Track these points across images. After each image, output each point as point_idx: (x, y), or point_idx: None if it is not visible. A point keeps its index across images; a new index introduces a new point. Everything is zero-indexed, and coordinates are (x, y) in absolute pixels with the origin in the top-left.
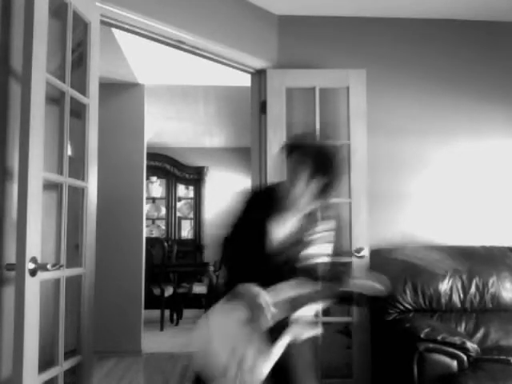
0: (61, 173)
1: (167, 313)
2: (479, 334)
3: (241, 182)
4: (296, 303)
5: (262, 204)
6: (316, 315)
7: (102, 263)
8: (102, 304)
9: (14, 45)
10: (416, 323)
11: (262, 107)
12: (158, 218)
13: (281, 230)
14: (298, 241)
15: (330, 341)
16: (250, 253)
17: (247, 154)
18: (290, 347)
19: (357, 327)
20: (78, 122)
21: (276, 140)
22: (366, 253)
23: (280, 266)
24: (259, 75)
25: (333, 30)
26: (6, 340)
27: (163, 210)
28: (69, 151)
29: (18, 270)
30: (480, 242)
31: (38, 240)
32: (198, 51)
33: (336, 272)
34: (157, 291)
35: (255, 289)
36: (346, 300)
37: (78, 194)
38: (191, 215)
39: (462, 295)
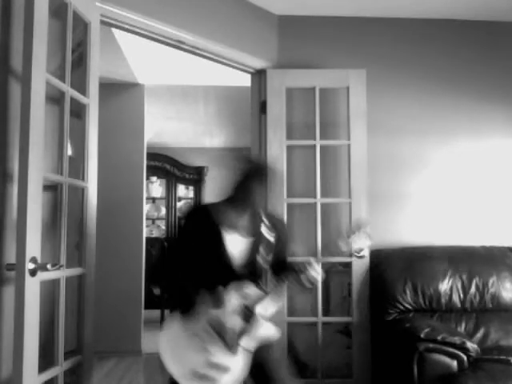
0: (61, 173)
1: (167, 313)
2: (479, 334)
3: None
4: (249, 306)
5: (209, 221)
6: (271, 315)
7: (102, 263)
8: (102, 304)
9: (14, 45)
10: (416, 323)
11: (262, 107)
12: (158, 218)
13: (234, 240)
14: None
15: (330, 341)
16: (206, 261)
17: (247, 154)
18: (264, 349)
19: (357, 327)
20: (77, 122)
21: (276, 140)
22: (366, 253)
23: (236, 271)
24: (259, 75)
25: (333, 30)
26: (6, 340)
27: (163, 210)
28: (69, 151)
29: (17, 270)
30: (480, 241)
31: (37, 240)
32: (198, 51)
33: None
34: (157, 291)
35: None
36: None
37: (78, 194)
38: None
39: (461, 295)
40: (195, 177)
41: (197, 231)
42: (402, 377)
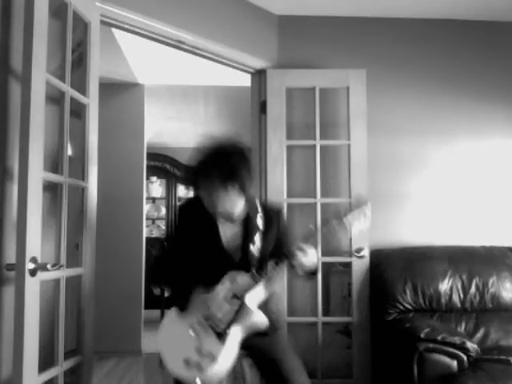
0: (61, 173)
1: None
2: (479, 334)
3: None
4: (238, 295)
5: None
6: (260, 303)
7: (102, 263)
8: (102, 304)
9: (14, 45)
10: (416, 323)
11: (262, 107)
12: (158, 218)
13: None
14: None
15: (330, 341)
16: (200, 250)
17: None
18: (271, 338)
19: (357, 327)
20: (77, 122)
21: (276, 140)
22: (366, 253)
23: (230, 260)
24: (259, 75)
25: (333, 30)
26: (6, 340)
27: (163, 210)
28: (69, 151)
29: (17, 270)
30: (480, 241)
31: (37, 240)
32: (198, 51)
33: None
34: (157, 291)
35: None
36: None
37: (78, 194)
38: None
39: (461, 295)
40: None
41: (190, 222)
42: (402, 377)
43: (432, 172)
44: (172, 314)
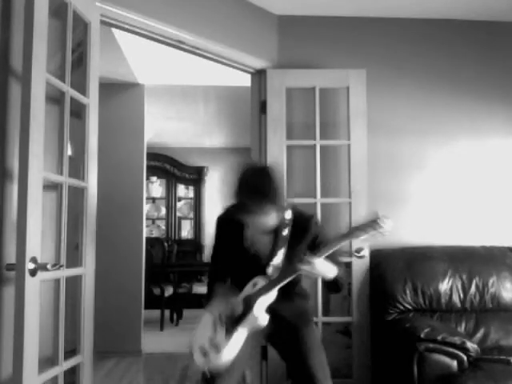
0: (61, 173)
1: (167, 313)
2: (479, 334)
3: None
4: (252, 298)
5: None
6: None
7: (102, 263)
8: (102, 304)
9: (14, 45)
10: (416, 323)
11: (262, 107)
12: (158, 218)
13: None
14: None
15: (330, 341)
16: (233, 256)
17: (247, 153)
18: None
19: (357, 327)
20: (77, 122)
21: (276, 140)
22: (366, 253)
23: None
24: (259, 75)
25: (333, 30)
26: (6, 340)
27: (163, 210)
28: (69, 151)
29: (17, 270)
30: (480, 242)
31: (37, 240)
32: (198, 51)
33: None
34: (157, 291)
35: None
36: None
37: (78, 194)
38: (191, 215)
39: (461, 295)
40: (195, 177)
41: (227, 231)
42: (402, 377)
43: (432, 172)
44: (211, 307)
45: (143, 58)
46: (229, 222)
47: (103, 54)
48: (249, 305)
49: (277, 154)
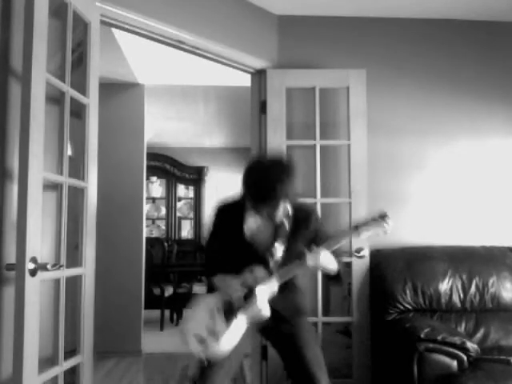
0: (61, 173)
1: (167, 313)
2: (479, 334)
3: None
4: (251, 286)
5: (236, 212)
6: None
7: (102, 263)
8: (102, 304)
9: (14, 45)
10: (416, 323)
11: (262, 107)
12: (158, 218)
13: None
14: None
15: (330, 341)
16: (231, 246)
17: (247, 153)
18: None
19: (357, 327)
20: (77, 122)
21: (276, 140)
22: (366, 253)
23: (254, 255)
24: (259, 75)
25: (333, 30)
26: (6, 340)
27: (163, 210)
28: (69, 151)
29: (17, 270)
30: (480, 242)
31: (38, 240)
32: (198, 51)
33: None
34: (157, 291)
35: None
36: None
37: (78, 194)
38: (191, 215)
39: (461, 295)
40: (195, 177)
41: (226, 222)
42: (402, 377)
43: (432, 172)
44: (203, 295)
45: (143, 58)
46: (229, 213)
47: (103, 54)
48: (250, 292)
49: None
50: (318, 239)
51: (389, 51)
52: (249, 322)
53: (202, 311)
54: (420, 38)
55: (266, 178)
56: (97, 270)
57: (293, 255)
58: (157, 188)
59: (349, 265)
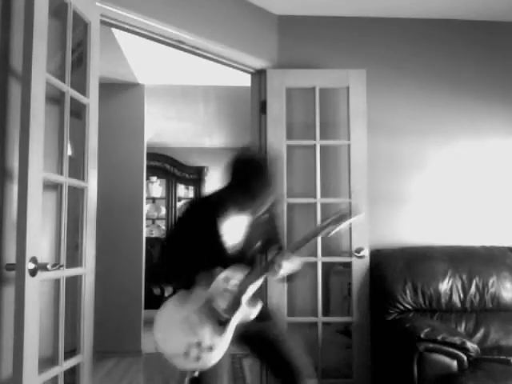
0: (61, 173)
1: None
2: (479, 334)
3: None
4: (241, 287)
5: (210, 210)
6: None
7: (102, 263)
8: (102, 304)
9: (14, 45)
10: (416, 323)
11: (262, 107)
12: (158, 218)
13: (231, 228)
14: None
15: (330, 341)
16: (204, 246)
17: None
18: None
19: (357, 327)
20: (78, 122)
21: (276, 140)
22: (366, 253)
23: (231, 255)
24: (259, 75)
25: (333, 30)
26: (6, 340)
27: (163, 210)
28: (69, 151)
29: (17, 270)
30: (480, 241)
31: (38, 240)
32: (198, 51)
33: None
34: (157, 291)
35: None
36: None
37: (77, 194)
38: None
39: (461, 295)
40: (195, 177)
41: (196, 221)
42: (402, 377)
43: (432, 172)
44: (170, 305)
45: (143, 58)
46: (202, 210)
47: (103, 54)
48: (238, 296)
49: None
50: (273, 236)
51: (389, 51)
52: (238, 324)
53: (175, 323)
54: (420, 38)
55: (262, 174)
56: (97, 270)
57: (254, 251)
58: (157, 188)
59: (349, 265)
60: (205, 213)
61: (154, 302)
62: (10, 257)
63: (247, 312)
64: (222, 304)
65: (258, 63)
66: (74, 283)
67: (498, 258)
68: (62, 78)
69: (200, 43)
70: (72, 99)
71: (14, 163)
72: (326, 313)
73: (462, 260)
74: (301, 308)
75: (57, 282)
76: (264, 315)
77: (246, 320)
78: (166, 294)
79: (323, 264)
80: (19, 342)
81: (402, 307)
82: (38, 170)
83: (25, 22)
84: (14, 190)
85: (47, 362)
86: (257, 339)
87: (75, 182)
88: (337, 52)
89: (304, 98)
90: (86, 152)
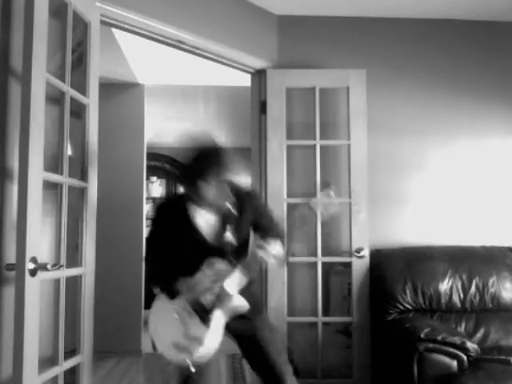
0: (61, 173)
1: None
2: (479, 334)
3: (241, 181)
4: (222, 277)
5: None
6: (239, 289)
7: (102, 263)
8: (102, 304)
9: (14, 45)
10: (416, 323)
11: (262, 107)
12: None
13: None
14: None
15: (330, 341)
16: (180, 242)
17: (247, 153)
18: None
19: (357, 327)
20: (78, 122)
21: (276, 140)
22: (365, 253)
23: (207, 249)
24: (259, 75)
25: (333, 30)
26: (6, 340)
27: None
28: (69, 151)
29: (17, 270)
30: (480, 242)
31: (38, 240)
32: (198, 51)
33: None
34: (157, 291)
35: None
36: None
37: (77, 194)
38: None
39: (461, 295)
40: None
41: (170, 219)
42: (402, 377)
43: (432, 172)
44: (160, 300)
45: (143, 58)
46: (172, 210)
47: (103, 54)
48: (220, 289)
49: (277, 154)
50: (260, 224)
51: (389, 51)
52: (227, 317)
53: (168, 318)
54: (420, 38)
55: (211, 156)
56: (97, 270)
57: (243, 240)
58: (157, 188)
59: (349, 265)
60: (173, 209)
61: None
62: (10, 257)
63: (234, 303)
64: (206, 295)
65: (258, 63)
66: (74, 283)
67: (498, 257)
68: (62, 78)
69: (200, 43)
70: (72, 99)
71: (14, 163)
72: (325, 313)
73: (462, 260)
74: (301, 308)
75: (57, 282)
76: (255, 309)
77: (235, 312)
78: None
79: (323, 264)
80: (19, 342)
81: (401, 307)
82: (38, 170)
83: (25, 22)
84: (14, 190)
85: (47, 361)
86: (245, 338)
87: (75, 182)
88: (337, 52)
89: (304, 98)
90: (86, 152)
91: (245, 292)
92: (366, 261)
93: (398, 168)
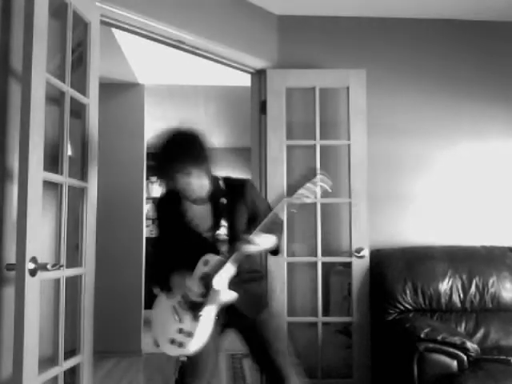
0: (61, 173)
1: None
2: (479, 334)
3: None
4: (210, 273)
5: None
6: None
7: (102, 263)
8: (102, 304)
9: (14, 45)
10: (416, 323)
11: (262, 107)
12: None
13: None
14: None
15: (330, 341)
16: (176, 235)
17: (247, 153)
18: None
19: (357, 327)
20: (77, 122)
21: (276, 140)
22: (366, 253)
23: (202, 244)
24: (259, 75)
25: (333, 30)
26: (6, 340)
27: None
28: (69, 151)
29: (17, 270)
30: (480, 241)
31: (38, 240)
32: (198, 51)
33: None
34: (157, 291)
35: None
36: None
37: (77, 194)
38: None
39: (461, 295)
40: None
41: (165, 215)
42: (402, 377)
43: (432, 172)
44: (160, 299)
45: (143, 58)
46: (166, 203)
47: (103, 54)
48: (207, 283)
49: (277, 154)
50: (257, 212)
51: (389, 51)
52: (217, 309)
53: (165, 314)
54: (420, 38)
55: (177, 145)
56: (97, 270)
57: (237, 231)
58: (157, 188)
59: (349, 265)
60: (168, 203)
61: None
62: (10, 257)
63: (223, 297)
64: (195, 288)
65: (258, 63)
66: (74, 283)
67: (498, 257)
68: (62, 78)
69: (200, 43)
70: (72, 99)
71: (14, 163)
72: (325, 313)
73: (462, 260)
74: (301, 308)
75: (57, 281)
76: (256, 308)
77: (227, 304)
78: None
79: (323, 264)
80: (19, 342)
81: (402, 307)
82: (38, 170)
83: (25, 22)
84: (13, 190)
85: (47, 361)
86: (250, 334)
87: (75, 182)
88: (337, 52)
89: (304, 98)
90: (86, 152)
91: (239, 290)
92: (366, 261)
93: (398, 168)
